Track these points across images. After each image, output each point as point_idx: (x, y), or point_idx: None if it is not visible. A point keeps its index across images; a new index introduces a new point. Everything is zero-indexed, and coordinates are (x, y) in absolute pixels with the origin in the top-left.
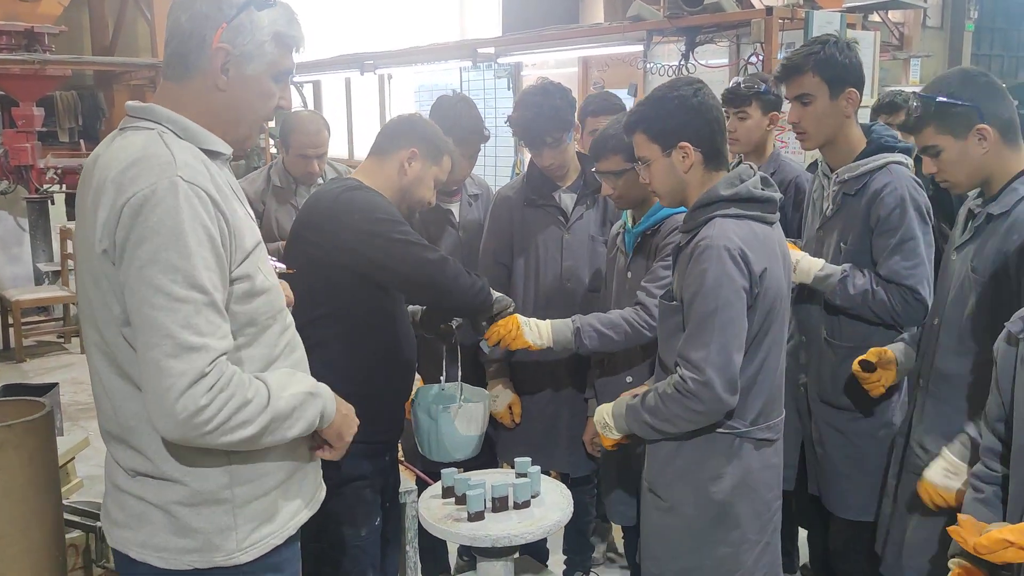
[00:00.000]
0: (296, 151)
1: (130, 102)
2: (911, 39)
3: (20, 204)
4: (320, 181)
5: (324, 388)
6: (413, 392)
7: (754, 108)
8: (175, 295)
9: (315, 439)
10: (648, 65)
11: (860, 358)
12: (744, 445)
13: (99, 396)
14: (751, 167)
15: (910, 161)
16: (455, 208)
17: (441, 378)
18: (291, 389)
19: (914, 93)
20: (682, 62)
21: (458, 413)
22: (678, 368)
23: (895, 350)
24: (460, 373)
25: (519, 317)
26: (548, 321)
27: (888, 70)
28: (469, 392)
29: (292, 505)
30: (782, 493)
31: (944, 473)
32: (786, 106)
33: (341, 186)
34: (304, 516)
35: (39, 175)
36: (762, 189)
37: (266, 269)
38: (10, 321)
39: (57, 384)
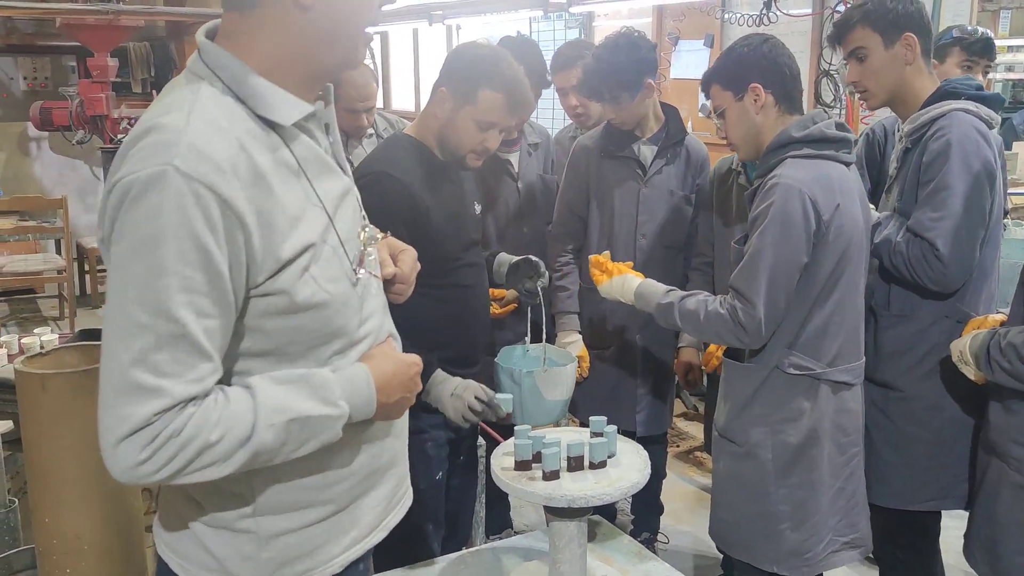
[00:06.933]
0: (345, 105)
1: (200, 37)
2: None
3: (96, 154)
4: (371, 132)
5: (352, 392)
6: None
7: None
8: (135, 320)
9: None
10: (726, 15)
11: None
12: (821, 387)
13: None
14: (825, 111)
15: (985, 110)
16: (514, 158)
17: (526, 338)
18: (293, 411)
19: None
20: (763, 11)
21: (543, 377)
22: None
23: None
24: (544, 334)
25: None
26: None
27: (977, 22)
28: (555, 354)
29: (344, 539)
30: (861, 440)
31: (959, 355)
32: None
33: (368, 165)
34: (357, 551)
35: (113, 125)
36: (835, 130)
37: (329, 274)
38: (87, 268)
39: None
